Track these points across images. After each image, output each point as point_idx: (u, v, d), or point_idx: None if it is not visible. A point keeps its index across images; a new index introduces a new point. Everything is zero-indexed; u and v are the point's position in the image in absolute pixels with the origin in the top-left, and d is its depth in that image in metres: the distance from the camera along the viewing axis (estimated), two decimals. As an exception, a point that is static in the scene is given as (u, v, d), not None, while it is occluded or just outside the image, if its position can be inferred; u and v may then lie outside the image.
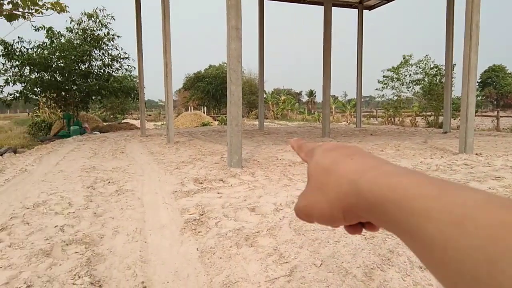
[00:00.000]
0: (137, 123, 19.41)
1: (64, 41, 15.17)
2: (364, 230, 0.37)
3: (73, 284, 2.15)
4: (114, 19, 15.86)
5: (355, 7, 14.61)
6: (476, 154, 6.39)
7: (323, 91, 10.63)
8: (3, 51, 13.83)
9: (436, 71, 18.50)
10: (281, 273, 2.20)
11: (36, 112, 19.04)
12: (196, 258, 2.48)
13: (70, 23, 15.33)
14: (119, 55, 16.49)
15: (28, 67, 14.37)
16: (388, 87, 20.68)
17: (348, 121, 25.61)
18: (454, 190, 0.25)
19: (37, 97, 15.87)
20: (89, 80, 15.78)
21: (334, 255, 2.40)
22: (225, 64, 30.07)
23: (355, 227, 0.36)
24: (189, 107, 38.01)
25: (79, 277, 2.22)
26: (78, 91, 15.57)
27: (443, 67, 13.92)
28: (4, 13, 10.62)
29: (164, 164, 6.00)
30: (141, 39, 11.46)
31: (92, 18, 15.52)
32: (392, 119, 21.21)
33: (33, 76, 14.68)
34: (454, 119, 14.74)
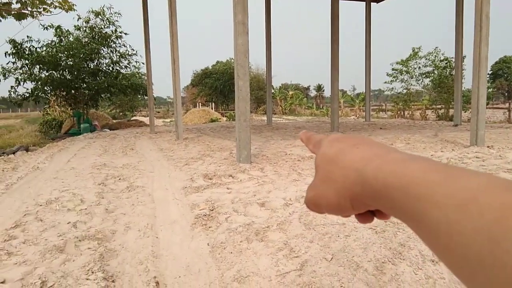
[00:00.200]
0: (146, 120, 19.55)
1: (72, 40, 15.29)
2: (373, 222, 0.37)
3: (87, 279, 2.18)
4: (120, 15, 15.92)
5: (362, 0, 14.46)
6: (488, 146, 6.31)
7: (332, 83, 10.56)
8: (12, 50, 13.98)
9: (446, 63, 18.25)
10: (291, 268, 2.21)
11: (47, 111, 19.27)
12: (207, 253, 2.50)
13: (78, 20, 15.44)
14: (127, 51, 16.58)
15: (38, 66, 14.52)
16: (397, 80, 20.48)
17: (357, 115, 25.45)
18: (458, 174, 0.26)
19: (47, 96, 16.02)
20: (98, 78, 15.90)
21: (344, 249, 2.39)
22: (232, 60, 30.05)
23: (366, 216, 0.37)
24: (197, 104, 38.12)
25: (93, 272, 2.25)
26: (88, 89, 15.70)
27: (453, 59, 13.73)
28: (13, 12, 10.72)
29: (173, 160, 6.03)
30: (148, 36, 11.49)
31: (100, 16, 15.60)
32: (402, 113, 21.02)
33: (43, 75, 14.84)
34: (465, 112, 14.55)
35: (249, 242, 2.59)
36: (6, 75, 14.18)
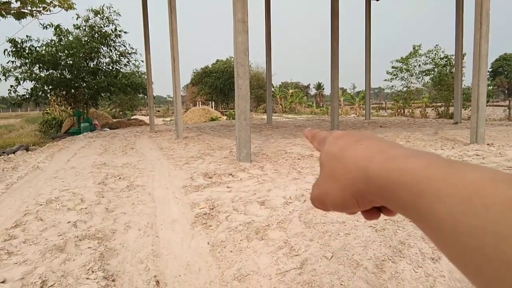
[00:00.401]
0: (146, 119, 19.55)
1: (72, 39, 15.26)
2: (373, 221, 0.37)
3: (87, 278, 2.18)
4: (120, 15, 15.90)
5: (362, -2, 14.45)
6: (488, 144, 6.31)
7: (331, 82, 10.55)
8: (13, 49, 13.95)
9: (446, 61, 18.24)
10: (292, 266, 2.21)
11: (47, 110, 19.25)
12: (207, 251, 2.50)
13: (77, 19, 15.41)
14: (126, 50, 16.56)
15: (37, 65, 14.50)
16: (397, 78, 20.47)
17: (357, 114, 25.44)
18: (461, 169, 0.26)
19: (47, 96, 16.00)
20: (97, 77, 15.89)
21: (344, 247, 2.39)
22: (232, 59, 30.02)
23: (372, 212, 0.37)
24: (197, 102, 38.11)
25: (93, 271, 2.25)
26: (87, 88, 15.68)
27: (453, 57, 13.71)
28: (13, 11, 10.71)
29: (173, 159, 6.03)
30: (148, 34, 11.48)
31: (99, 15, 15.58)
32: (402, 111, 21.01)
33: (43, 74, 14.82)
34: (465, 110, 14.54)
35: (249, 240, 2.59)
36: (7, 75, 14.16)
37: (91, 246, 2.64)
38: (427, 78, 19.78)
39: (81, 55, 14.70)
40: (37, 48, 14.48)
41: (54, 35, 15.11)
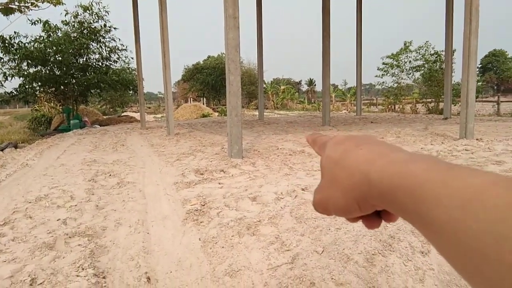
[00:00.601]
0: (137, 115, 19.40)
1: (61, 35, 15.07)
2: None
3: (77, 276, 2.17)
4: (108, 13, 15.74)
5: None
6: (477, 139, 6.38)
7: (323, 79, 10.58)
8: (0, 45, 13.73)
9: (436, 57, 18.38)
10: (283, 261, 2.22)
11: (36, 107, 19.01)
12: (199, 248, 2.49)
13: (65, 15, 15.22)
14: (117, 46, 16.41)
15: (26, 61, 14.30)
16: (388, 74, 20.58)
17: (348, 110, 25.56)
18: (462, 173, 0.26)
19: (35, 92, 15.79)
20: (87, 73, 15.72)
21: (335, 242, 2.41)
22: (223, 55, 29.92)
23: (373, 220, 0.37)
24: (189, 99, 37.94)
25: (83, 269, 2.24)
26: (77, 84, 15.52)
27: (443, 53, 13.83)
28: (0, 7, 10.54)
29: (164, 156, 6.00)
30: (138, 30, 11.37)
31: (88, 11, 15.40)
32: (393, 107, 21.16)
33: (31, 71, 14.61)
34: (455, 105, 14.70)
35: (241, 236, 2.59)
36: None
37: (81, 243, 2.62)
38: (417, 74, 19.94)
39: (70, 51, 14.53)
40: (26, 44, 14.28)
41: (43, 31, 14.91)
